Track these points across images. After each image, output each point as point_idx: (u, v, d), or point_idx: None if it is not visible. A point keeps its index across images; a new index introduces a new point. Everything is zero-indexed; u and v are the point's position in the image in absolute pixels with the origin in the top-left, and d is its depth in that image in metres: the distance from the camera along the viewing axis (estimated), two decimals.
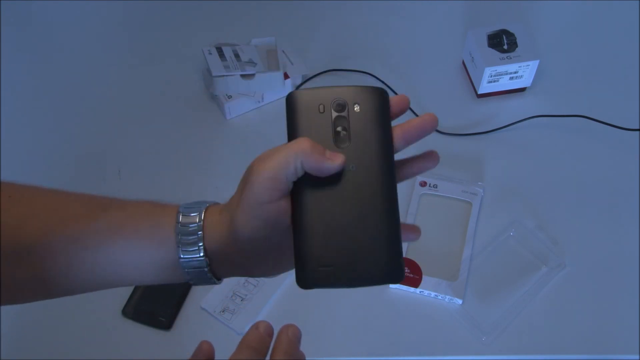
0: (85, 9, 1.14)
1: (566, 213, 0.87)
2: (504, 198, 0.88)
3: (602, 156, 0.92)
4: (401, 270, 0.41)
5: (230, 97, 0.96)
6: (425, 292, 0.80)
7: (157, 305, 0.80)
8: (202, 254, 0.44)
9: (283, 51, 1.03)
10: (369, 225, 0.42)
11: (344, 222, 0.42)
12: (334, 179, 0.42)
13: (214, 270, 0.45)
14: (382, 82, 1.00)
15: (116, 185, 0.92)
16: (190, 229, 0.44)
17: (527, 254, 0.83)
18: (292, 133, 0.44)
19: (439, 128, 0.95)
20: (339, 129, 0.43)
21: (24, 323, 0.80)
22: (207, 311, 0.80)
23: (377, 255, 0.41)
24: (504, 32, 0.96)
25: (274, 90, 0.99)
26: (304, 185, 0.42)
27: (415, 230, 0.46)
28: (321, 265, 0.41)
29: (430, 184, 0.89)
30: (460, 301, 0.79)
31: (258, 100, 0.98)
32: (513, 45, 0.95)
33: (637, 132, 0.93)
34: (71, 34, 1.11)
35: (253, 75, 0.96)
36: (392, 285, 0.81)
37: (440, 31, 1.08)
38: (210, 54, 0.97)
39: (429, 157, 0.50)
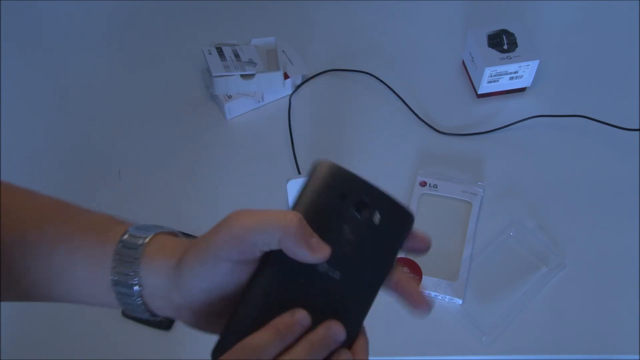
0: (85, 9, 1.14)
1: (566, 213, 0.87)
2: (504, 198, 0.88)
3: (602, 156, 0.92)
4: None
5: (230, 97, 0.96)
6: (425, 292, 0.80)
7: None
8: (135, 281, 0.40)
9: (283, 51, 1.03)
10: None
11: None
12: (309, 277, 0.37)
13: (147, 301, 0.41)
14: (383, 82, 1.00)
15: (116, 185, 0.92)
16: (130, 252, 0.40)
17: (527, 254, 0.83)
18: (296, 202, 0.39)
19: (439, 128, 0.95)
20: (347, 229, 0.38)
21: (24, 323, 0.80)
22: None
23: None
24: (504, 32, 0.96)
25: (274, 90, 0.99)
26: (274, 266, 0.37)
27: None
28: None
29: (430, 184, 0.89)
30: (460, 301, 0.79)
31: (258, 100, 0.98)
32: (513, 45, 0.95)
33: (637, 132, 0.93)
34: (71, 34, 1.11)
35: (253, 75, 0.96)
36: None
37: (440, 31, 1.08)
38: (210, 54, 0.97)
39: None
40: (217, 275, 0.38)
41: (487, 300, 0.80)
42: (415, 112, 0.97)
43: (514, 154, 0.93)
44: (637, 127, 0.93)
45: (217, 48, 0.98)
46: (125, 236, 0.41)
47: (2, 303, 0.81)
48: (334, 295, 0.38)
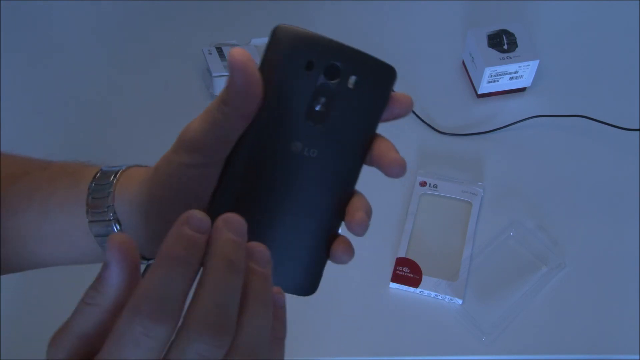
0: (85, 9, 1.14)
1: (566, 213, 0.87)
2: (504, 198, 0.88)
3: (602, 156, 0.92)
4: (314, 285, 0.36)
5: None
6: (425, 292, 0.80)
7: None
8: (111, 216, 0.37)
9: None
10: (300, 227, 0.35)
11: (273, 212, 0.34)
12: (285, 158, 0.34)
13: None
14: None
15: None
16: (101, 188, 0.38)
17: (527, 254, 0.83)
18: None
19: (439, 128, 0.95)
20: (320, 100, 0.34)
21: (24, 323, 0.80)
22: None
23: (296, 261, 0.35)
24: (504, 32, 0.96)
25: None
26: (242, 154, 0.34)
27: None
28: None
29: (430, 184, 0.89)
30: (460, 301, 0.79)
31: None
32: (513, 45, 0.95)
33: (637, 132, 0.93)
34: (71, 34, 1.11)
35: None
36: (392, 285, 0.81)
37: (440, 31, 1.08)
38: (210, 54, 0.97)
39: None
40: (188, 185, 0.34)
41: (487, 300, 0.80)
42: (415, 112, 0.97)
43: (514, 154, 0.93)
44: (637, 127, 0.93)
45: (217, 48, 0.98)
46: (98, 174, 0.39)
47: (2, 302, 0.81)
48: (315, 177, 0.34)
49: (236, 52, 0.32)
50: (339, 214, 0.35)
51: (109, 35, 1.11)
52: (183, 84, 1.03)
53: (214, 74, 0.95)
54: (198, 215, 0.27)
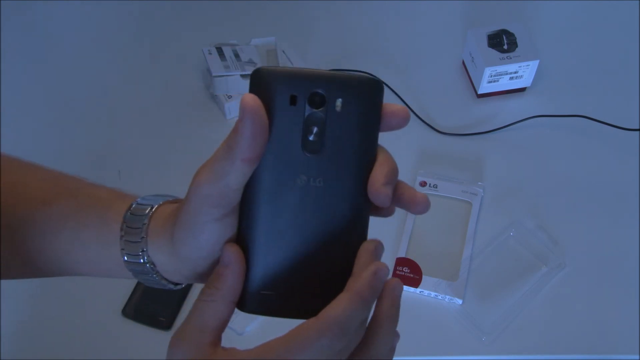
0: (86, 9, 1.14)
1: (566, 213, 0.87)
2: (504, 198, 0.88)
3: (602, 156, 0.92)
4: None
5: (230, 97, 0.96)
6: (425, 292, 0.80)
7: (157, 305, 0.80)
8: (145, 260, 0.39)
9: (283, 51, 1.03)
10: (328, 254, 0.35)
11: (298, 246, 0.35)
12: (294, 193, 0.35)
13: (166, 276, 0.40)
14: (382, 82, 1.00)
15: (116, 185, 0.91)
16: (134, 231, 0.39)
17: (527, 254, 0.83)
18: None
19: (439, 128, 0.95)
20: (312, 130, 0.34)
21: (24, 323, 0.80)
22: None
23: (331, 288, 0.35)
24: (504, 32, 0.96)
25: None
26: (254, 197, 0.35)
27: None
28: (263, 290, 0.36)
29: (430, 184, 0.89)
30: (460, 301, 0.79)
31: None
32: (513, 45, 0.95)
33: (637, 132, 0.93)
34: (71, 34, 1.11)
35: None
36: None
37: (440, 31, 1.08)
38: (210, 54, 0.97)
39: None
40: (211, 239, 0.36)
41: (487, 300, 0.80)
42: (415, 112, 0.97)
43: (514, 154, 0.93)
44: (637, 127, 0.93)
45: (217, 48, 0.98)
46: (128, 214, 0.40)
47: (2, 302, 0.81)
48: (326, 204, 0.35)
49: (248, 98, 0.33)
50: (363, 230, 0.36)
51: (109, 36, 1.11)
52: (183, 84, 1.03)
53: (214, 74, 0.95)
54: (385, 269, 0.34)
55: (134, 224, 0.40)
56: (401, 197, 0.36)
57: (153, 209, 0.40)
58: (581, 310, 0.79)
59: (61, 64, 1.07)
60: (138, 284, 0.82)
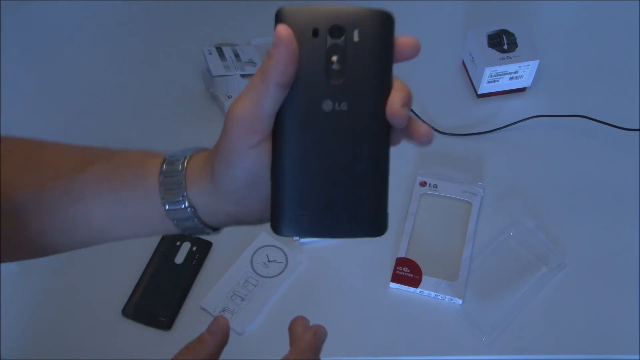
0: (86, 9, 1.14)
1: (566, 213, 0.87)
2: (504, 198, 0.88)
3: (602, 156, 0.92)
4: (384, 223, 0.39)
5: (230, 97, 0.96)
6: (425, 292, 0.80)
7: (157, 305, 0.80)
8: (186, 205, 0.41)
9: None
10: (355, 173, 0.38)
11: (326, 167, 0.38)
12: (321, 118, 0.38)
13: (206, 220, 0.43)
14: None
15: None
16: (173, 179, 0.41)
17: (527, 254, 0.83)
18: None
19: (439, 128, 0.95)
20: (333, 59, 0.38)
21: (24, 323, 0.80)
22: (207, 311, 0.80)
23: (360, 206, 0.38)
24: (504, 32, 0.96)
25: None
26: (286, 123, 0.38)
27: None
28: (297, 211, 0.38)
29: (430, 184, 0.89)
30: (460, 301, 0.79)
31: None
32: (513, 45, 0.95)
33: (637, 132, 0.93)
34: (71, 34, 1.11)
35: (253, 75, 0.96)
36: (392, 285, 0.81)
37: (440, 31, 1.08)
38: (210, 54, 0.97)
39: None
40: (248, 169, 0.38)
41: (487, 300, 0.80)
42: (415, 112, 0.97)
43: (514, 154, 0.93)
44: (637, 127, 0.93)
45: (217, 48, 0.98)
46: (164, 165, 0.42)
47: (2, 302, 0.81)
48: (352, 125, 0.38)
49: (282, 28, 0.37)
50: (385, 149, 0.39)
51: (109, 35, 1.11)
52: (183, 84, 1.03)
53: (214, 74, 0.95)
54: (323, 331, 0.42)
55: (172, 173, 0.42)
56: (409, 127, 0.39)
57: (187, 157, 0.42)
58: (581, 310, 0.79)
59: (61, 64, 1.07)
60: (138, 284, 0.82)
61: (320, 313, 0.79)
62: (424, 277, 0.81)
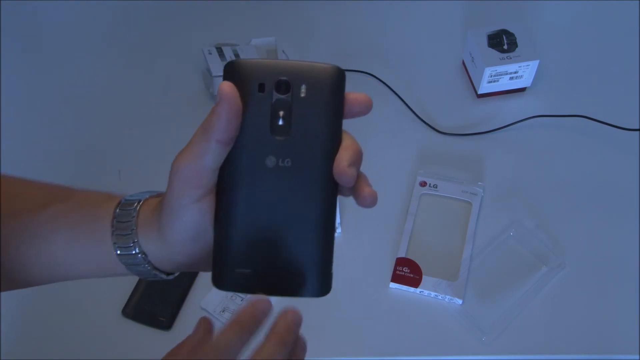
0: (85, 9, 1.14)
1: (566, 213, 0.87)
2: (504, 198, 0.88)
3: (602, 156, 0.92)
4: (327, 284, 0.38)
5: None
6: (425, 292, 0.80)
7: (157, 305, 0.80)
8: (137, 250, 0.41)
9: (283, 51, 1.03)
10: (298, 231, 0.37)
11: (270, 223, 0.37)
12: (264, 174, 0.37)
13: (158, 265, 0.43)
14: (383, 82, 1.00)
15: (116, 185, 0.92)
16: (125, 225, 0.41)
17: (527, 254, 0.83)
18: None
19: (439, 128, 0.95)
20: (279, 114, 0.37)
21: (24, 323, 0.80)
22: (207, 311, 0.80)
23: (303, 266, 0.37)
24: (504, 32, 0.96)
25: None
26: (229, 178, 0.38)
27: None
28: (238, 268, 0.38)
29: (430, 184, 0.89)
30: (460, 301, 0.79)
31: None
32: (513, 45, 0.95)
33: (637, 132, 0.93)
34: (71, 34, 1.11)
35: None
36: (392, 285, 0.81)
37: (440, 31, 1.08)
38: (210, 54, 0.97)
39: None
40: (192, 223, 0.38)
41: (487, 300, 0.80)
42: (415, 112, 0.97)
43: (514, 154, 0.93)
44: (637, 127, 0.93)
45: (217, 48, 0.98)
46: (118, 210, 0.42)
47: (2, 302, 0.81)
48: (296, 182, 0.37)
49: (225, 85, 0.37)
50: (331, 207, 0.38)
51: (109, 35, 1.11)
52: (183, 84, 1.03)
53: (214, 74, 0.95)
54: (263, 302, 0.38)
55: (124, 218, 0.42)
56: (355, 186, 0.39)
57: (140, 203, 0.43)
58: (581, 310, 0.79)
59: (61, 64, 1.07)
60: (138, 284, 0.82)
61: (320, 313, 0.79)
62: (424, 277, 0.81)
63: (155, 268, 0.42)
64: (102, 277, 0.45)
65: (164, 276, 0.44)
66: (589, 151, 0.93)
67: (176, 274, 0.45)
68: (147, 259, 0.42)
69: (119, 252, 0.42)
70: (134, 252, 0.41)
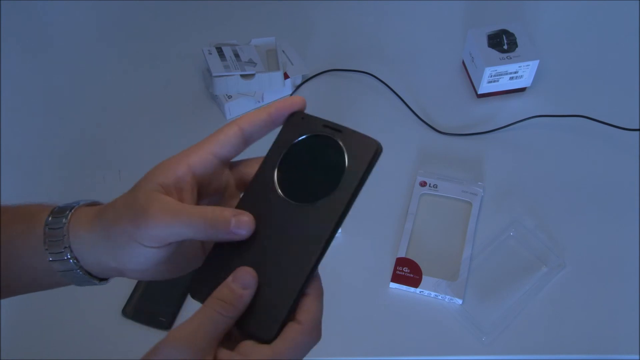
0: (85, 9, 1.14)
1: (566, 213, 0.87)
2: (504, 198, 0.88)
3: (602, 156, 0.92)
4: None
5: (230, 97, 0.96)
6: (425, 292, 0.80)
7: (157, 305, 0.80)
8: (69, 256, 0.43)
9: (283, 51, 1.03)
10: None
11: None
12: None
13: (91, 271, 0.44)
14: (383, 82, 1.00)
15: (116, 185, 0.92)
16: (56, 231, 0.43)
17: (527, 254, 0.83)
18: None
19: (439, 128, 0.95)
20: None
21: (24, 323, 0.80)
22: None
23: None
24: (504, 32, 0.96)
25: (274, 90, 0.99)
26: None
27: None
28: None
29: (430, 184, 0.89)
30: (460, 301, 0.79)
31: (258, 100, 0.98)
32: (513, 45, 0.95)
33: (637, 132, 0.93)
34: (71, 34, 1.11)
35: (253, 75, 0.96)
36: (392, 285, 0.81)
37: (440, 31, 1.08)
38: (210, 54, 0.97)
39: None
40: (159, 260, 0.41)
41: (487, 300, 0.80)
42: (415, 112, 0.97)
43: (514, 154, 0.93)
44: (637, 127, 0.93)
45: (217, 48, 0.98)
46: (50, 218, 0.43)
47: (2, 302, 0.81)
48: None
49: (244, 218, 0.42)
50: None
51: (108, 35, 1.11)
52: (183, 84, 1.03)
53: (214, 74, 0.95)
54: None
55: (55, 224, 0.43)
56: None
57: (72, 210, 0.44)
58: (581, 310, 0.79)
59: (61, 64, 1.07)
60: (138, 283, 0.82)
61: None
62: (424, 277, 0.81)
63: (88, 273, 0.44)
64: (41, 289, 0.46)
65: (97, 282, 0.45)
66: (589, 151, 0.93)
67: (109, 280, 0.46)
68: (79, 264, 0.43)
69: (51, 258, 0.43)
70: (65, 257, 0.42)
